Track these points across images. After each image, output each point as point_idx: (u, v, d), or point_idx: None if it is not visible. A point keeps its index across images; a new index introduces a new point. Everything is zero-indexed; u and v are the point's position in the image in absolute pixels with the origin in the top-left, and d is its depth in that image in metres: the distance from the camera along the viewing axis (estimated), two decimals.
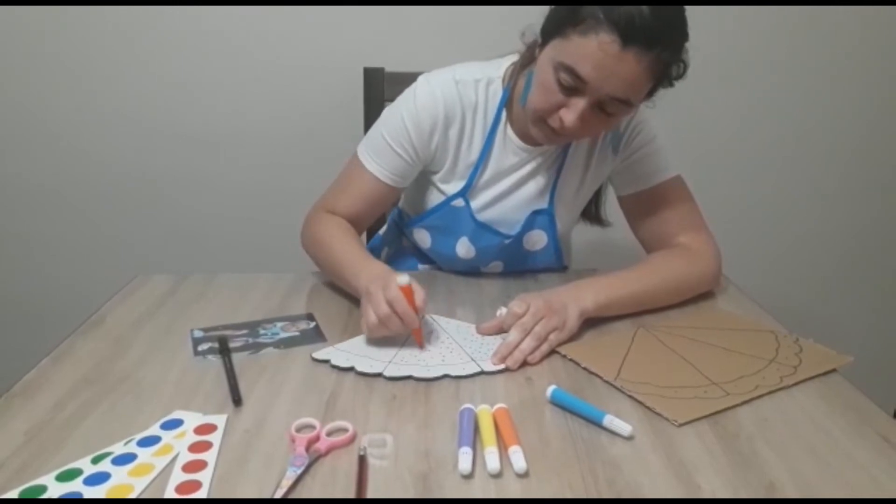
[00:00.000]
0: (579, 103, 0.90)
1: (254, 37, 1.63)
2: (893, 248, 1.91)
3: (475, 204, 1.10)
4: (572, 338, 0.91)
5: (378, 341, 0.90)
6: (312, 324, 0.97)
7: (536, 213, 1.11)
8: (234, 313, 1.00)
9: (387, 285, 0.86)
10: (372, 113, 1.30)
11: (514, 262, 1.17)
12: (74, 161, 1.72)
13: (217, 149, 1.72)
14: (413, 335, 0.89)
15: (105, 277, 1.54)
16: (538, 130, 0.97)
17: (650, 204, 1.11)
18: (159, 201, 1.77)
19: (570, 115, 0.90)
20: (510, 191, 1.11)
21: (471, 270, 1.18)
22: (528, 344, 0.86)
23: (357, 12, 1.61)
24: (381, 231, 1.35)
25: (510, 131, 1.07)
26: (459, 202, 1.10)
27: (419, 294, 0.87)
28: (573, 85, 0.89)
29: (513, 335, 0.87)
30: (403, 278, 0.86)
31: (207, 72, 1.66)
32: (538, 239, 1.14)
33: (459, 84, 1.05)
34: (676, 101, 1.55)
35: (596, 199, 1.23)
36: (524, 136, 1.06)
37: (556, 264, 1.18)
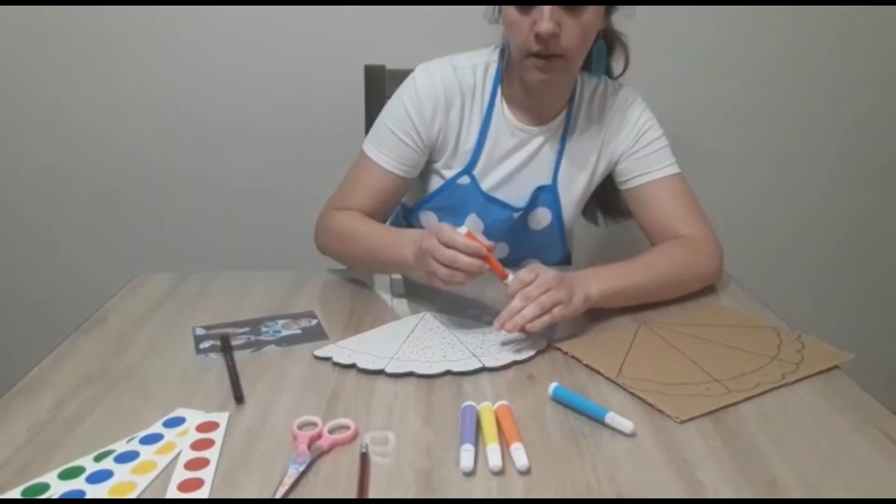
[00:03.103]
0: (544, 9, 0.93)
1: (254, 35, 1.63)
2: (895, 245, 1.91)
3: (482, 182, 1.12)
4: (574, 334, 0.92)
5: (378, 339, 0.90)
6: (314, 321, 0.97)
7: (540, 189, 1.13)
8: (235, 311, 1.00)
9: (440, 232, 0.86)
10: (373, 110, 1.30)
11: (519, 244, 1.18)
12: (75, 160, 1.72)
13: (218, 147, 1.72)
14: (492, 268, 0.87)
15: (106, 276, 1.55)
16: (531, 66, 1.00)
17: (655, 196, 1.12)
18: (160, 199, 1.77)
19: (541, 23, 0.94)
20: (514, 172, 1.13)
21: None
22: (530, 311, 0.85)
23: (358, 10, 1.61)
24: (389, 221, 1.36)
25: (507, 112, 1.10)
26: (465, 179, 1.12)
27: (480, 235, 0.87)
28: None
29: (516, 302, 0.86)
30: (461, 229, 0.86)
31: (208, 71, 1.66)
32: (542, 217, 1.15)
33: (457, 69, 1.09)
34: (677, 103, 1.56)
35: (614, 191, 1.23)
36: (521, 117, 1.10)
37: (560, 246, 1.20)
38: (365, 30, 1.62)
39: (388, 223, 1.34)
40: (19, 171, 1.72)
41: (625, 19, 1.07)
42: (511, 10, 0.97)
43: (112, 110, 1.68)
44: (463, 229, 0.85)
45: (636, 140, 1.12)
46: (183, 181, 1.75)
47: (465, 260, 0.84)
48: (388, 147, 1.09)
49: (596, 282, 0.94)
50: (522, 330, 0.85)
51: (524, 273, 0.89)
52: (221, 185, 1.76)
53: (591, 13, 0.98)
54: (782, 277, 1.90)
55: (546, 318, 0.85)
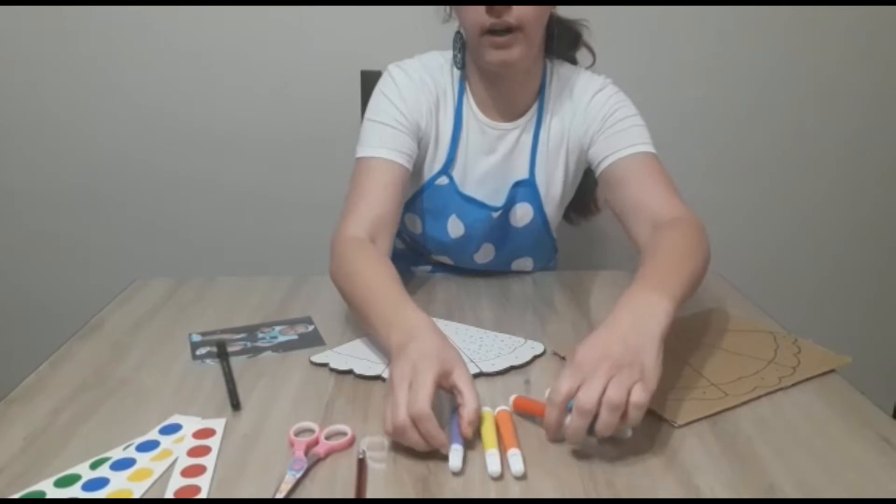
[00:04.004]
0: None
1: (251, 40, 1.63)
2: (892, 248, 1.91)
3: (460, 182, 1.13)
4: (571, 339, 0.91)
5: (376, 343, 0.90)
6: (311, 327, 0.97)
7: (518, 184, 1.12)
8: (232, 317, 1.00)
9: (415, 386, 0.67)
10: None
11: (503, 243, 1.17)
12: (71, 164, 1.72)
13: (215, 152, 1.72)
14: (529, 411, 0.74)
15: (103, 281, 1.55)
16: (488, 45, 0.99)
17: (627, 174, 1.05)
18: (157, 205, 1.77)
19: None
20: (491, 170, 1.13)
21: (464, 260, 1.18)
22: (607, 416, 0.64)
23: (354, 15, 1.61)
24: None
25: (476, 109, 1.11)
26: (443, 180, 1.12)
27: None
28: None
29: (576, 421, 0.65)
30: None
31: (204, 75, 1.66)
32: (524, 213, 1.14)
33: (428, 68, 1.11)
34: (676, 104, 1.56)
35: (590, 189, 1.23)
36: (491, 114, 1.11)
37: (548, 242, 1.20)
38: (361, 35, 1.62)
39: None
40: (16, 175, 1.72)
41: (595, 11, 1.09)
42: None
43: (110, 115, 1.68)
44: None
45: (604, 120, 1.09)
46: (180, 186, 1.75)
47: (413, 438, 0.66)
48: (380, 139, 1.05)
49: (660, 303, 0.74)
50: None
51: (562, 381, 0.67)
52: (219, 191, 1.76)
53: None
54: (778, 281, 1.91)
55: (634, 414, 0.65)
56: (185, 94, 1.67)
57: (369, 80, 1.33)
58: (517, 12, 0.96)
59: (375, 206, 1.01)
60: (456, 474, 0.64)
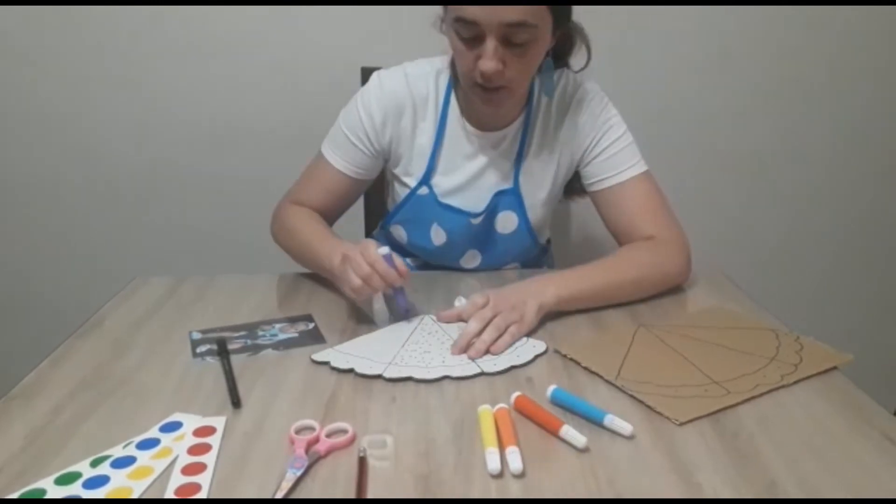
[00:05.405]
0: (487, 46, 0.92)
1: (251, 37, 1.63)
2: (893, 246, 1.91)
3: (439, 191, 1.13)
4: (572, 337, 0.92)
5: (376, 343, 0.90)
6: (311, 325, 0.97)
7: (501, 193, 1.12)
8: (232, 315, 1.00)
9: (365, 248, 0.90)
10: None
11: (490, 250, 1.17)
12: (72, 162, 1.72)
13: (215, 150, 1.72)
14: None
15: (103, 279, 1.54)
16: (475, 95, 1.00)
17: (621, 199, 1.10)
18: (157, 203, 1.77)
19: (484, 61, 0.93)
20: (474, 178, 1.13)
21: (451, 264, 1.19)
22: (488, 335, 0.88)
23: (354, 12, 1.61)
24: (375, 233, 1.36)
25: (462, 118, 1.11)
26: (424, 190, 1.13)
27: (399, 259, 0.92)
28: (472, 33, 0.93)
29: (472, 325, 0.89)
30: (384, 248, 0.91)
31: (204, 74, 1.65)
32: (508, 220, 1.15)
33: (409, 77, 1.10)
34: (676, 104, 1.55)
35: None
36: (477, 122, 1.10)
37: (533, 248, 1.20)
38: (361, 32, 1.62)
39: (374, 234, 1.34)
40: (16, 172, 1.72)
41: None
42: (455, 38, 0.96)
43: (110, 114, 1.68)
44: (384, 250, 0.90)
45: (597, 142, 1.10)
46: (180, 184, 1.75)
47: (377, 281, 0.90)
48: (341, 149, 1.12)
49: (552, 288, 0.97)
50: (487, 352, 0.87)
51: (477, 297, 0.94)
52: (219, 188, 1.76)
53: (537, 47, 0.96)
54: (780, 279, 1.91)
55: (506, 339, 0.89)
56: (186, 92, 1.67)
57: (369, 77, 1.33)
58: (508, 76, 0.96)
59: (316, 199, 1.14)
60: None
